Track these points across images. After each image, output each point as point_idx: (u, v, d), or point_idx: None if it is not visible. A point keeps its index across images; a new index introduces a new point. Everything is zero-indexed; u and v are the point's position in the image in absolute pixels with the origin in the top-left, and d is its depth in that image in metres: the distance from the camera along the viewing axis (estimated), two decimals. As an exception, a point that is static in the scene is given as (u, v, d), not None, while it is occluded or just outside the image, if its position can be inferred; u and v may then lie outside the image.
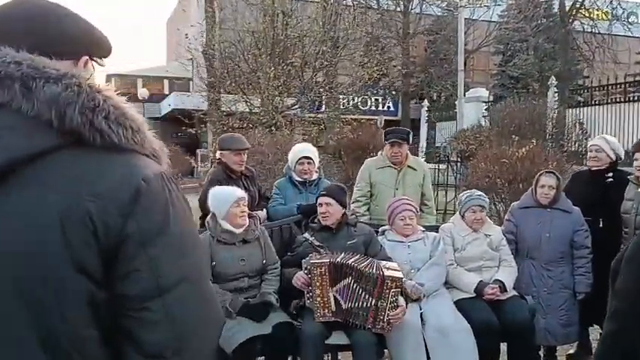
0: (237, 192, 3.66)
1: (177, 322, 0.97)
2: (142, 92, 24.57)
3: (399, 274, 3.38)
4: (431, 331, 3.53)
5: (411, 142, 4.76)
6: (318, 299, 3.41)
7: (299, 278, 3.54)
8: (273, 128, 10.26)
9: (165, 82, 31.43)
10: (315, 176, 4.58)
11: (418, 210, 4.14)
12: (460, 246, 4.01)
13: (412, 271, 3.84)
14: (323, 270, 3.41)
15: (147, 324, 0.96)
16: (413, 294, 3.70)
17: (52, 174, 0.96)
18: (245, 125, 11.05)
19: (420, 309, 3.66)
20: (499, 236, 4.10)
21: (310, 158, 4.55)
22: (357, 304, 3.38)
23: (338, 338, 3.47)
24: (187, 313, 0.99)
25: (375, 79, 17.44)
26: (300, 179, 4.50)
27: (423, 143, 22.32)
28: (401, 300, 3.42)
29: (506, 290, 3.83)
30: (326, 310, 3.42)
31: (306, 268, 3.51)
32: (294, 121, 12.30)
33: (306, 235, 3.80)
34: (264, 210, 4.40)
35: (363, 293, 3.37)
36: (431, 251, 3.94)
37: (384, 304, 3.34)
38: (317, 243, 3.69)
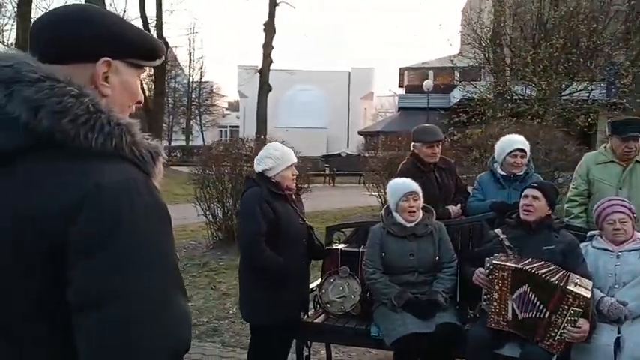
0: (409, 185, 3.58)
1: (100, 342, 0.96)
2: (426, 84, 25.14)
3: (585, 293, 2.89)
4: (626, 360, 2.92)
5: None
6: (495, 304, 3.15)
7: (479, 275, 3.31)
8: (517, 116, 9.31)
9: (456, 72, 31.47)
10: (523, 171, 4.13)
11: (634, 213, 3.40)
12: None
13: (616, 286, 3.22)
14: (506, 274, 3.13)
15: (81, 333, 0.97)
16: (611, 313, 3.11)
17: (17, 173, 1.01)
18: (501, 115, 10.35)
19: (618, 332, 3.05)
20: None
21: (524, 151, 4.09)
22: (530, 314, 3.02)
23: (510, 350, 3.15)
24: (112, 335, 0.96)
25: None
26: (505, 173, 4.10)
27: None
28: (582, 323, 2.93)
29: None
30: (501, 318, 3.14)
31: (488, 267, 3.26)
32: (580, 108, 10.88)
33: (498, 230, 3.50)
34: (459, 205, 4.19)
35: (538, 303, 3.00)
36: (646, 265, 3.23)
37: (560, 320, 2.91)
38: (507, 243, 3.37)
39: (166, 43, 24.57)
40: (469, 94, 14.92)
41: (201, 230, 8.49)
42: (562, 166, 6.29)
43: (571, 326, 2.91)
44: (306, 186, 8.49)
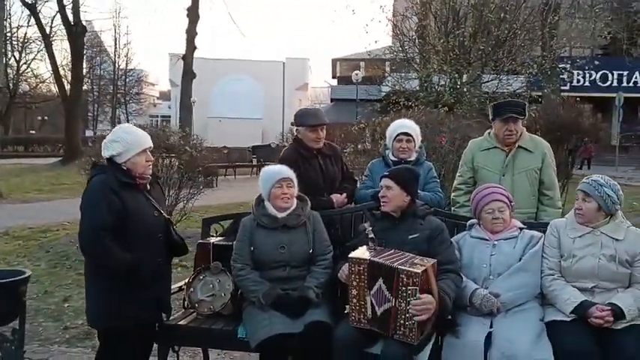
0: (282, 172, 3.32)
1: None
2: (355, 75, 25.14)
3: (417, 270, 2.70)
4: (497, 357, 2.77)
5: (527, 116, 3.81)
6: (354, 301, 2.93)
7: (344, 271, 3.09)
8: (436, 106, 9.32)
9: (387, 63, 31.66)
10: (413, 157, 4.00)
11: (512, 201, 3.27)
12: (567, 252, 3.05)
13: (491, 277, 3.08)
14: (361, 268, 2.89)
15: None
16: (483, 306, 2.95)
17: None
18: (411, 104, 10.34)
19: (491, 327, 2.90)
20: (636, 248, 2.98)
21: (410, 135, 4.01)
22: (384, 307, 2.82)
23: (378, 348, 2.93)
24: None
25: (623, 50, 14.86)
26: (396, 159, 3.98)
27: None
28: (423, 297, 2.73)
29: (623, 317, 2.81)
30: (361, 316, 2.91)
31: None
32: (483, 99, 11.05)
33: (366, 224, 3.29)
34: (344, 194, 3.96)
35: (387, 294, 2.79)
36: (522, 255, 3.10)
37: (403, 304, 2.72)
38: (371, 235, 3.16)
39: (84, 27, 23.40)
40: (391, 86, 14.94)
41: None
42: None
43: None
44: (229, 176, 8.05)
